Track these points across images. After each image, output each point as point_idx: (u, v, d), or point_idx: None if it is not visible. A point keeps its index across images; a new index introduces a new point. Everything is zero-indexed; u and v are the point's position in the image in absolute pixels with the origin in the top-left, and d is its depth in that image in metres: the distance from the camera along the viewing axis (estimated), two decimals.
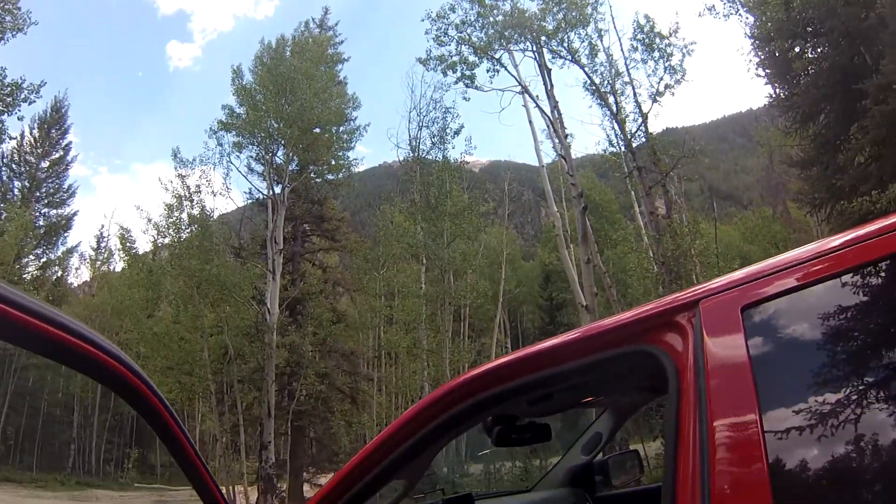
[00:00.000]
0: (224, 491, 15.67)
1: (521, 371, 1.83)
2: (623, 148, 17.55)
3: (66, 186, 41.10)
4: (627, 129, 17.13)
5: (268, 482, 18.32)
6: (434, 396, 1.93)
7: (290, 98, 20.42)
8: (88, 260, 41.92)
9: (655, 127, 18.45)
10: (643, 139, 17.11)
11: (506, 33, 17.91)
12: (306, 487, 23.33)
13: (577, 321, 29.31)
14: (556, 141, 17.89)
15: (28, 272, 36.62)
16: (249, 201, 24.25)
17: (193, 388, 20.66)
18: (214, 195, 20.62)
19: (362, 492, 1.91)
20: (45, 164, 40.07)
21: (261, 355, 19.00)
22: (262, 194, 22.32)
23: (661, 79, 16.99)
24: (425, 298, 20.55)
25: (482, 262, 24.91)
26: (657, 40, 17.10)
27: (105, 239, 42.59)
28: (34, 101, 14.22)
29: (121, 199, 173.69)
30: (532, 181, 63.08)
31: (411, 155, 22.99)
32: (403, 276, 21.90)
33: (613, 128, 17.53)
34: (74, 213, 41.69)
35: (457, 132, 22.35)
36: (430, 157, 22.69)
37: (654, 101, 16.95)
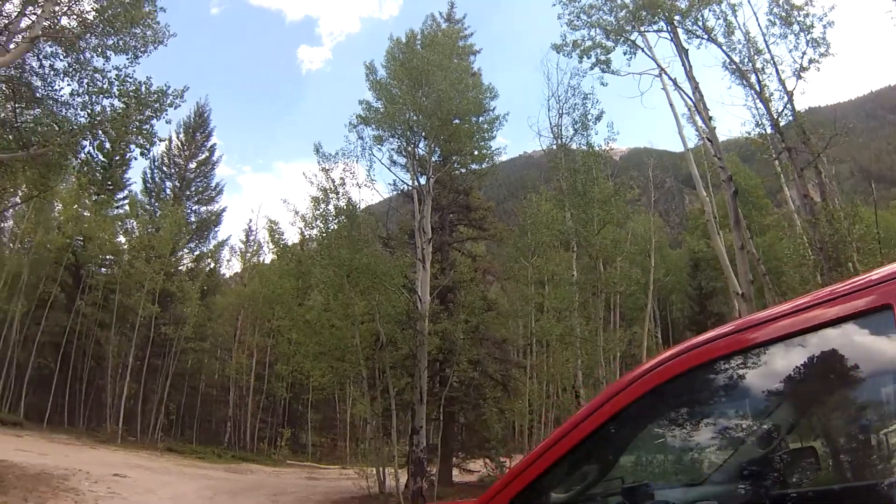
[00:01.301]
0: (374, 472, 16.57)
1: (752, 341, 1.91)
2: (770, 129, 16.93)
3: (213, 185, 45.63)
4: (773, 109, 16.50)
5: (418, 465, 19.22)
6: (646, 368, 1.98)
7: (426, 90, 20.97)
8: (239, 252, 45.03)
9: (800, 106, 17.61)
10: (790, 118, 16.47)
11: (639, 14, 17.70)
12: (455, 472, 24.11)
13: (729, 311, 28.68)
14: (700, 123, 17.47)
15: (183, 264, 39.50)
16: (394, 193, 25.29)
17: (345, 373, 21.62)
18: (360, 187, 21.48)
19: (554, 473, 2.01)
20: (192, 166, 44.57)
21: (413, 342, 19.96)
22: (407, 185, 23.41)
23: (804, 53, 16.20)
24: (577, 286, 20.66)
25: (631, 250, 24.75)
26: (794, 13, 16.37)
27: (254, 232, 45.97)
28: (179, 105, 15.65)
29: (266, 196, 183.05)
30: (675, 167, 61.50)
31: (554, 143, 23.17)
32: (553, 265, 22.04)
33: (757, 108, 16.90)
34: (223, 210, 45.52)
35: (598, 118, 22.52)
36: (573, 145, 22.74)
37: (799, 77, 16.08)
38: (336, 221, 20.55)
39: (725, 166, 17.14)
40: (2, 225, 33.03)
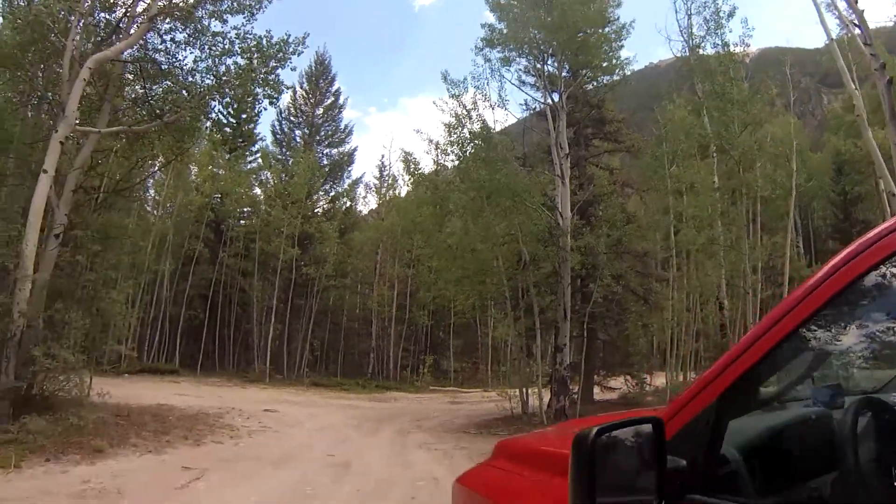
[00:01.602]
0: (517, 393, 16.71)
1: None
2: None
3: (342, 127, 47.02)
4: None
5: (561, 384, 19.40)
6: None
7: (549, 6, 20.64)
8: (374, 189, 45.85)
9: None
10: None
11: None
12: (596, 390, 24.20)
13: (876, 217, 27.23)
14: (843, 10, 16.37)
15: (320, 206, 40.78)
16: (526, 113, 25.20)
17: (489, 296, 21.96)
18: (493, 108, 21.52)
19: (765, 365, 1.92)
20: (319, 112, 46.19)
21: (556, 259, 19.93)
22: (539, 104, 23.37)
23: None
24: (719, 192, 20.15)
25: (772, 152, 23.72)
26: None
27: (387, 167, 46.61)
28: (302, 52, 16.18)
29: (395, 131, 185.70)
30: (813, 64, 58.07)
31: (685, 46, 22.51)
32: (692, 173, 21.47)
33: None
34: (354, 150, 46.97)
35: (730, 14, 21.70)
36: (706, 45, 22.02)
37: None
38: (472, 145, 20.62)
39: (878, 53, 16.02)
40: (145, 194, 34.93)
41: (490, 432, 16.58)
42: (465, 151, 20.78)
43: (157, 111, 15.64)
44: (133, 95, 17.12)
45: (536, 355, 20.73)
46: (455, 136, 20.79)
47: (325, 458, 12.26)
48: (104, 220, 17.76)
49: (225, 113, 38.31)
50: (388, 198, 44.78)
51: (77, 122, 13.64)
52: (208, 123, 19.04)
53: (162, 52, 16.21)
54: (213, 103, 17.27)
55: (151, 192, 37.12)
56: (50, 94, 15.64)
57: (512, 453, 3.25)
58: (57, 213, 13.72)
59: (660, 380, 23.55)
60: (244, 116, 40.49)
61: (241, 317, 39.85)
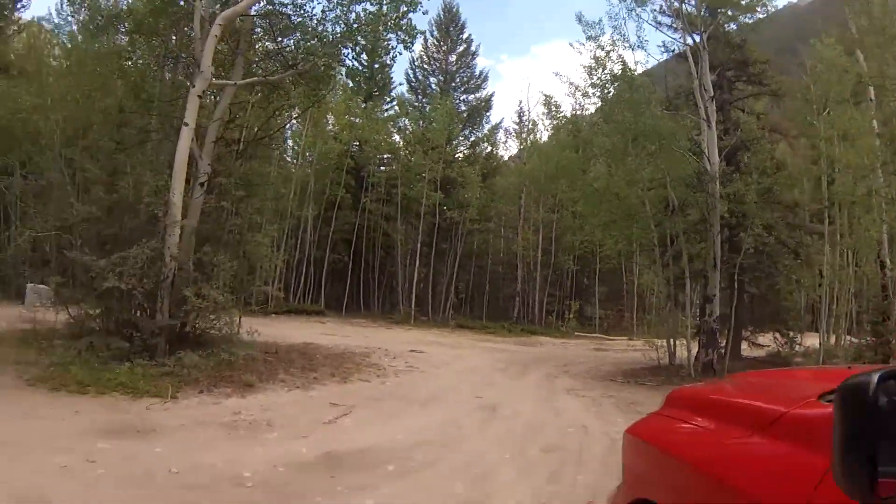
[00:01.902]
0: (663, 342, 16.32)
1: None
2: None
3: (476, 74, 47.12)
4: None
5: (710, 336, 19.01)
6: None
7: None
8: (514, 134, 45.62)
9: None
10: None
11: None
12: (744, 346, 23.36)
13: None
14: None
15: (460, 152, 41.03)
16: (666, 55, 24.22)
17: (637, 241, 21.65)
18: (633, 49, 20.87)
19: None
20: (452, 59, 46.77)
21: (704, 206, 19.42)
22: (679, 44, 22.34)
23: None
24: (880, 139, 18.64)
25: None
26: None
27: (526, 112, 46.04)
28: None
29: (529, 78, 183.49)
30: None
31: None
32: (846, 118, 19.88)
33: None
34: (491, 95, 46.46)
35: None
36: None
37: None
38: (614, 86, 20.12)
39: None
40: (285, 144, 36.28)
41: (637, 382, 16.45)
42: (608, 93, 20.29)
43: (290, 62, 16.16)
44: (265, 49, 17.94)
45: (687, 305, 20.23)
46: (596, 77, 20.32)
47: (472, 399, 12.45)
48: (246, 168, 18.58)
49: (358, 60, 39.06)
50: (528, 143, 44.37)
51: (212, 76, 14.32)
52: (343, 70, 19.31)
53: (290, 6, 16.73)
54: (346, 50, 17.55)
55: (290, 142, 38.75)
56: (184, 54, 16.68)
57: (689, 403, 3.12)
58: (200, 163, 14.58)
59: (810, 340, 22.35)
60: (377, 66, 41.02)
61: (385, 260, 41.21)
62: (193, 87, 13.87)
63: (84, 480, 6.41)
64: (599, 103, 20.84)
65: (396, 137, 42.74)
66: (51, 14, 38.42)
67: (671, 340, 19.63)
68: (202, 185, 14.50)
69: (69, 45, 25.80)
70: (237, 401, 10.86)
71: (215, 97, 16.10)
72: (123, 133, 15.91)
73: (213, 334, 14.16)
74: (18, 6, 29.39)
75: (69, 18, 28.71)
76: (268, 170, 25.60)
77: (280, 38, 16.99)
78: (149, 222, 13.79)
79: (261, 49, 17.84)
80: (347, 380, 13.81)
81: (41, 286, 19.81)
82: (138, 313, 13.41)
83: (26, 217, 18.04)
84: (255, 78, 16.65)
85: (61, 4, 30.10)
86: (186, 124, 13.53)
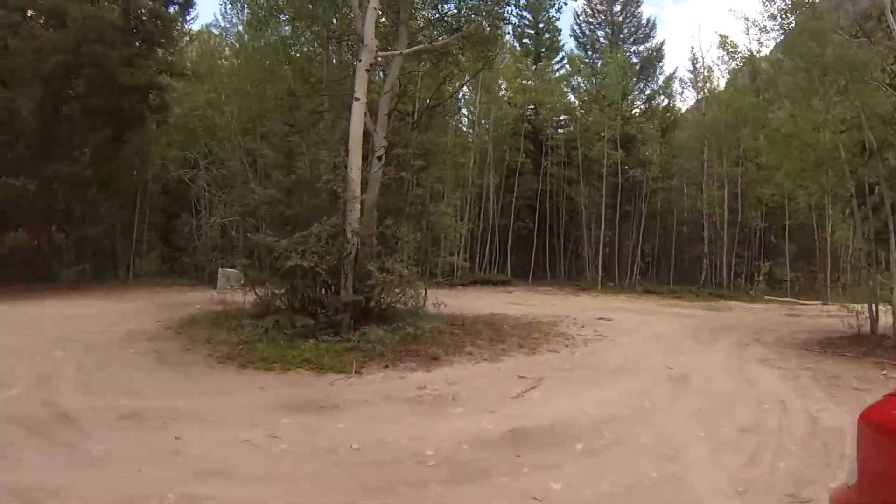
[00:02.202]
0: (862, 309, 14.66)
1: None
2: None
3: (644, 23, 44.96)
4: None
5: None
6: None
7: None
8: (689, 83, 43.34)
9: None
10: None
11: None
12: None
13: None
14: None
15: (636, 107, 39.62)
16: None
17: (831, 190, 19.64)
18: None
19: None
20: (617, 9, 44.44)
21: None
22: None
23: None
24: None
25: None
26: None
27: (700, 58, 43.81)
28: None
29: (698, 22, 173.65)
30: None
31: None
32: None
33: None
34: (661, 44, 44.56)
35: None
36: None
37: None
38: (794, 15, 18.34)
39: None
40: (459, 112, 36.40)
41: (835, 352, 14.89)
42: (788, 24, 18.52)
43: (454, 26, 15.94)
44: (427, 18, 17.84)
45: (888, 264, 18.18)
46: (774, 6, 18.55)
47: (662, 369, 11.86)
48: (423, 139, 18.58)
49: (522, 17, 38.30)
50: (705, 91, 42.00)
51: (377, 48, 14.36)
52: (509, 30, 18.93)
53: None
54: (510, 6, 17.11)
55: (464, 111, 38.57)
56: (346, 34, 16.97)
57: None
58: (375, 137, 14.70)
59: None
60: (542, 24, 39.96)
61: (569, 225, 40.50)
62: (360, 61, 13.93)
63: (266, 455, 6.58)
64: (779, 37, 18.96)
65: (571, 97, 41.77)
66: (217, 19, 40.55)
67: (872, 305, 17.60)
68: (379, 158, 14.62)
69: (237, 45, 27.15)
70: (422, 375, 10.80)
71: (383, 72, 16.18)
72: (296, 116, 16.34)
73: (397, 308, 14.35)
74: (188, 19, 31.20)
75: (234, 20, 29.97)
76: (444, 139, 25.64)
77: (440, 4, 16.75)
78: (329, 200, 14.04)
79: (423, 18, 17.76)
80: (536, 350, 13.42)
81: (230, 270, 20.89)
82: (322, 290, 13.75)
83: (213, 206, 19.05)
84: (421, 46, 16.59)
85: (225, 8, 31.92)
86: (357, 99, 13.60)
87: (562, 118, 41.24)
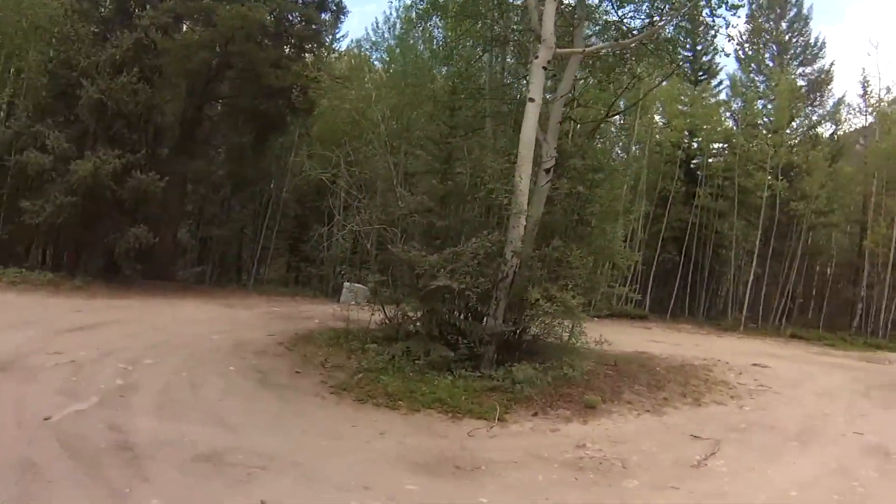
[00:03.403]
0: None
1: None
2: None
3: (812, 42, 40.95)
4: None
5: None
6: None
7: None
8: (857, 108, 39.46)
9: None
10: None
11: None
12: None
13: None
14: None
15: (800, 132, 36.50)
16: None
17: None
18: None
19: None
20: (784, 26, 40.97)
21: None
22: None
23: None
24: None
25: None
26: None
27: (870, 79, 39.72)
28: None
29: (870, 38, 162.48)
30: None
31: None
32: None
33: None
34: (831, 65, 40.89)
35: None
36: None
37: None
38: None
39: None
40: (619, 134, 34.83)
41: None
42: None
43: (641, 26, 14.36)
44: (605, 21, 16.09)
45: None
46: None
47: (851, 436, 10.08)
48: (595, 150, 16.55)
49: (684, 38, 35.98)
50: (880, 115, 37.66)
51: (555, 46, 12.60)
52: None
53: None
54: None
55: (616, 134, 36.46)
56: (512, 35, 15.75)
57: None
58: (545, 146, 12.87)
59: None
60: (700, 48, 37.61)
61: (714, 260, 37.56)
62: (536, 57, 12.27)
63: None
64: None
65: (730, 122, 38.83)
66: (368, 34, 40.18)
67: None
68: (547, 171, 12.71)
69: (387, 58, 27.40)
70: (579, 427, 9.29)
71: (554, 76, 14.35)
72: (456, 117, 14.51)
73: (547, 342, 12.38)
74: (338, 34, 30.67)
75: (385, 35, 30.08)
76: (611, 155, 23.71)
77: (619, 6, 15.00)
78: (485, 213, 12.44)
79: (599, 20, 15.97)
80: (700, 401, 11.69)
81: (357, 285, 20.18)
82: (464, 316, 11.96)
83: (349, 210, 17.84)
84: (606, 44, 14.94)
85: (377, 24, 32.08)
86: (532, 100, 11.98)
87: (719, 146, 38.41)
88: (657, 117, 37.13)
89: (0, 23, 22.40)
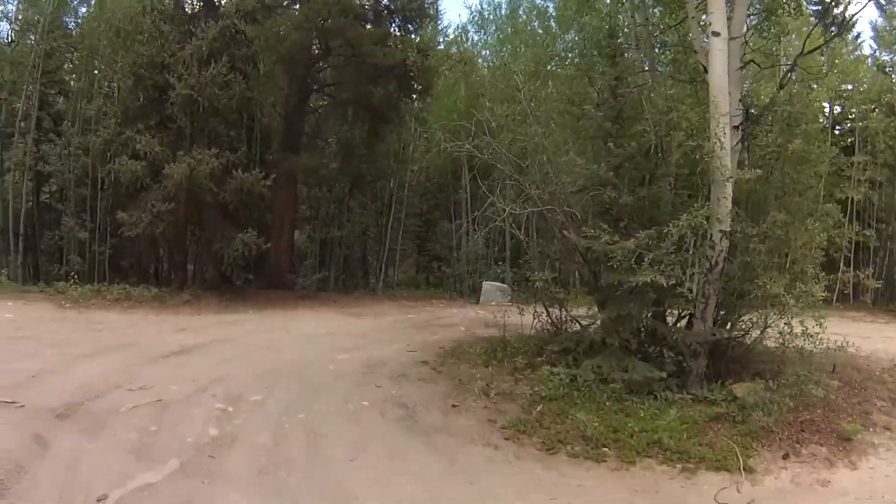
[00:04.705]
0: None
1: None
2: None
3: None
4: None
5: None
6: None
7: None
8: None
9: None
10: None
11: None
12: None
13: None
14: None
15: None
16: None
17: None
18: None
19: None
20: None
21: None
22: None
23: None
24: None
25: None
26: None
27: None
28: None
29: None
30: None
31: None
32: None
33: None
34: None
35: None
36: None
37: None
38: None
39: None
40: None
41: None
42: None
43: None
44: None
45: None
46: None
47: None
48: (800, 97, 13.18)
49: None
50: None
51: None
52: None
53: None
54: None
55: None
56: None
57: None
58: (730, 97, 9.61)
59: None
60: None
61: (880, 237, 33.08)
62: None
63: None
64: None
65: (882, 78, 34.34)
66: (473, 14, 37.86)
67: None
68: (736, 128, 9.48)
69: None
70: (850, 476, 6.74)
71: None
72: (619, 66, 11.09)
73: (764, 350, 9.19)
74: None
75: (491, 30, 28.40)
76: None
77: None
78: (670, 184, 9.47)
79: None
80: None
81: (495, 283, 18.84)
82: (664, 320, 9.15)
83: (477, 200, 15.29)
84: None
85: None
86: (717, 33, 9.13)
87: (865, 107, 33.91)
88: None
89: (86, 33, 21.98)
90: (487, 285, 19.66)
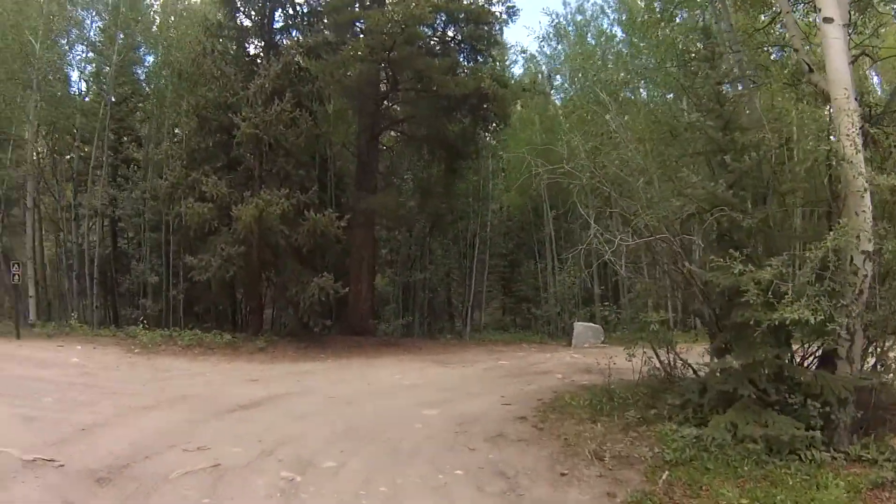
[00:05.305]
0: None
1: None
2: None
3: None
4: None
5: None
6: None
7: None
8: None
9: None
10: None
11: None
12: None
13: None
14: None
15: None
16: None
17: None
18: None
19: None
20: None
21: None
22: None
23: None
24: None
25: None
26: None
27: None
28: None
29: None
30: None
31: None
32: None
33: None
34: None
35: None
36: None
37: None
38: None
39: None
40: None
41: None
42: None
43: None
44: None
45: None
46: None
47: None
48: None
49: None
50: None
51: None
52: None
53: None
54: None
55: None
56: None
57: None
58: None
59: None
60: None
61: None
62: None
63: None
64: None
65: None
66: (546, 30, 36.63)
67: None
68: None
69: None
70: None
71: None
72: (720, 67, 9.97)
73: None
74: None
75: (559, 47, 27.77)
76: None
77: None
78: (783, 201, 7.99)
79: None
80: None
81: (587, 324, 18.51)
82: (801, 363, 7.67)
83: (560, 245, 14.29)
84: None
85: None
86: (829, 20, 7.81)
87: None
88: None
89: (152, 77, 22.84)
90: (580, 326, 19.24)
